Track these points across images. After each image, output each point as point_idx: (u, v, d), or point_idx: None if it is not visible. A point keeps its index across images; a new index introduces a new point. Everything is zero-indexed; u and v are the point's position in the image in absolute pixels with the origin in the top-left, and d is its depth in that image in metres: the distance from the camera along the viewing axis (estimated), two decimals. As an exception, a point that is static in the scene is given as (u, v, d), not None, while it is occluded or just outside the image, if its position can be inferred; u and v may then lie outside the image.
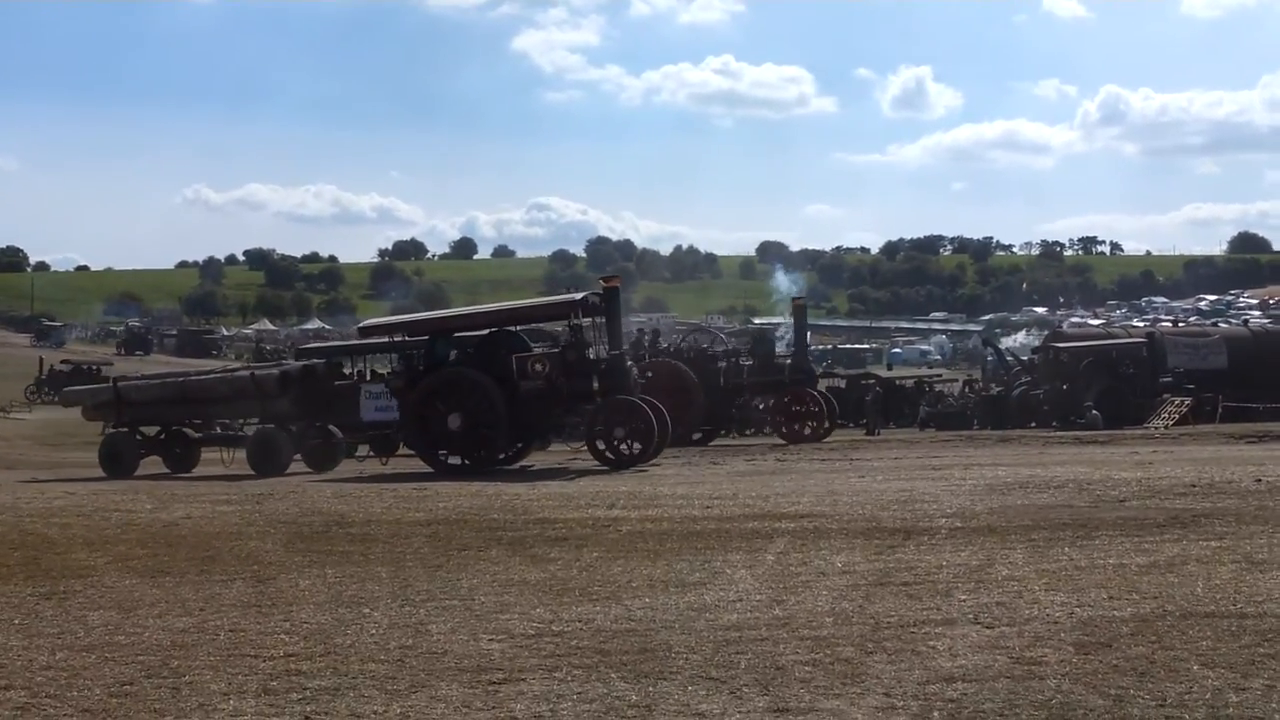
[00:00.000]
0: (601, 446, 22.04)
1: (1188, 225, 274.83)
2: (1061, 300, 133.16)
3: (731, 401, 32.18)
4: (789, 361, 32.55)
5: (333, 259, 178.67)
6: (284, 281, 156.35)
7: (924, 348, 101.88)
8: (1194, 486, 15.00)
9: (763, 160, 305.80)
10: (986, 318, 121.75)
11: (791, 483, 17.46)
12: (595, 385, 22.13)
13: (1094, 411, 34.17)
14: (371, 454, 25.68)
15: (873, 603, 8.75)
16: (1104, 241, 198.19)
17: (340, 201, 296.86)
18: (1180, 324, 58.65)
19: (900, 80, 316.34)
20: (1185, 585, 9.03)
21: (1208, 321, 70.32)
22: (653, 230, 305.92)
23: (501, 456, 22.43)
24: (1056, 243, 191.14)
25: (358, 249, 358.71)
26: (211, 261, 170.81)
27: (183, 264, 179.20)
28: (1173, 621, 7.88)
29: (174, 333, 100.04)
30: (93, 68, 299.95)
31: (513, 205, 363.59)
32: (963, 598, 8.83)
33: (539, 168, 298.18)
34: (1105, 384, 35.85)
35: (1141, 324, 69.35)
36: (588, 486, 17.77)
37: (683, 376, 30.19)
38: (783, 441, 30.06)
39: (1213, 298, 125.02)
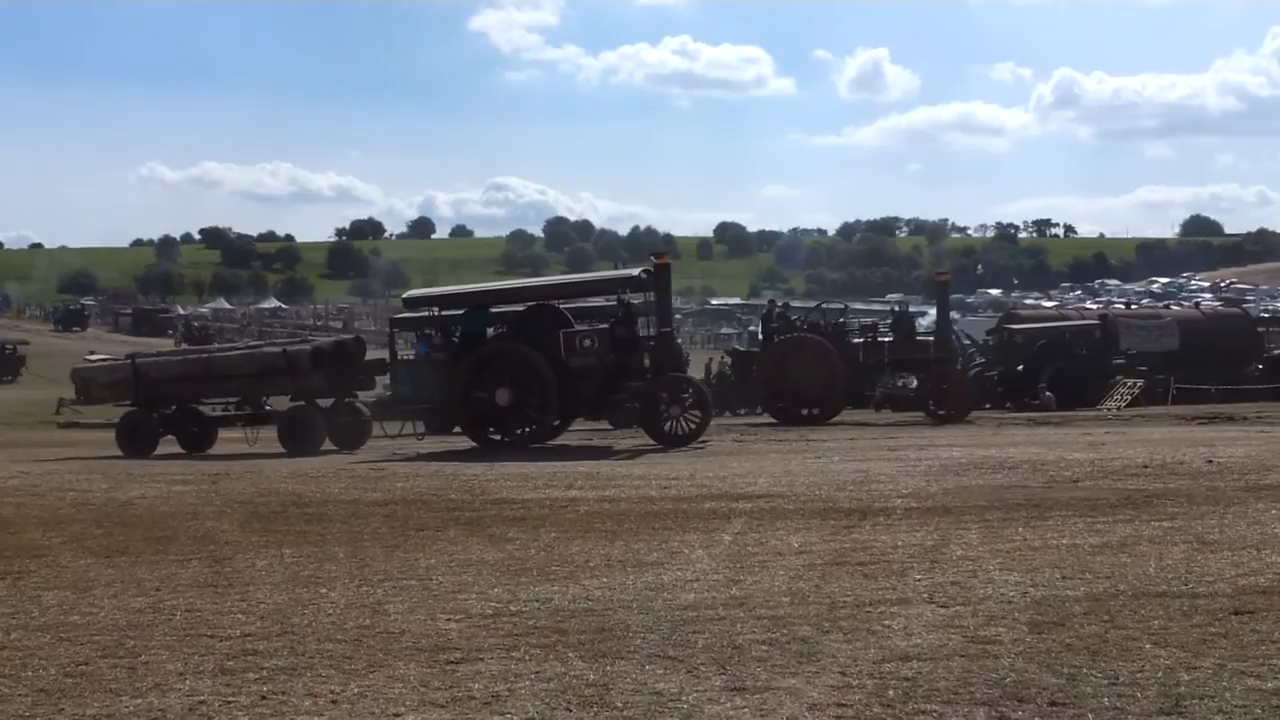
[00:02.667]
0: (656, 424, 21.90)
1: (1141, 208, 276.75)
2: (1016, 283, 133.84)
3: (870, 379, 31.40)
4: (931, 339, 31.45)
5: (289, 238, 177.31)
6: (240, 260, 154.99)
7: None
8: (1146, 468, 15.12)
9: (720, 141, 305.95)
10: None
11: (748, 463, 17.51)
12: (647, 363, 22.06)
13: (1048, 393, 34.38)
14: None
15: (829, 582, 8.80)
16: (1058, 224, 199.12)
17: (297, 180, 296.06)
18: (1133, 306, 59.01)
19: (858, 62, 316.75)
20: (1137, 565, 9.13)
21: (1160, 304, 70.75)
22: (611, 210, 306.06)
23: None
24: (1011, 225, 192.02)
25: (315, 228, 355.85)
26: (167, 240, 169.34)
27: (138, 242, 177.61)
28: (1125, 601, 7.96)
29: (129, 311, 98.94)
30: (47, 44, 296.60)
31: (471, 185, 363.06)
32: (918, 577, 8.90)
33: (497, 147, 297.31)
34: (1059, 366, 36.05)
35: (1095, 306, 69.77)
36: (545, 466, 17.76)
37: (826, 352, 29.39)
38: (928, 419, 28.79)
39: (1165, 280, 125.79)
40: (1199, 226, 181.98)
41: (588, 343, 21.84)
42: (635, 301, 22.86)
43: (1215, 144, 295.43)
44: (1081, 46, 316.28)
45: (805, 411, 29.17)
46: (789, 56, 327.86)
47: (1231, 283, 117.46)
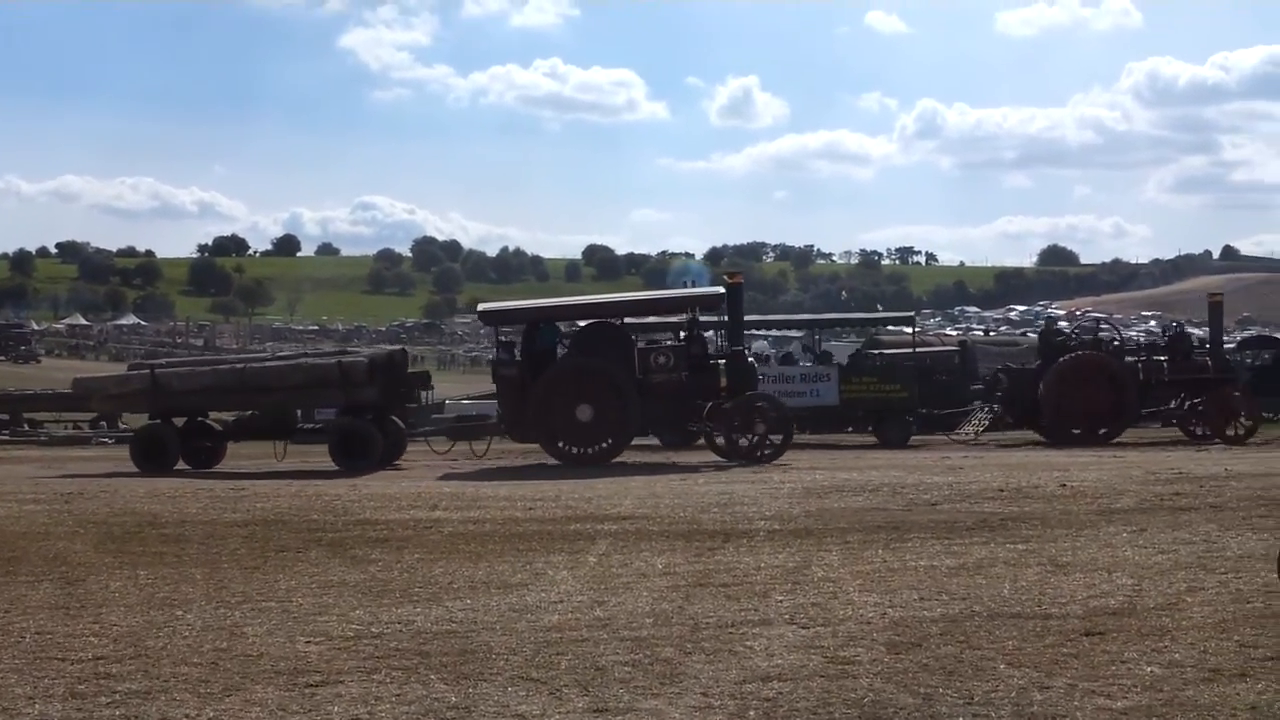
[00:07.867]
0: (743, 442, 21.86)
1: (1000, 238, 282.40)
2: (880, 308, 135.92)
3: (1145, 398, 30.25)
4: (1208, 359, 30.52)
5: (150, 253, 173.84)
6: (98, 276, 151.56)
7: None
8: (1002, 491, 15.43)
9: (590, 164, 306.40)
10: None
11: (614, 484, 17.55)
12: (723, 381, 22.21)
13: (909, 418, 34.84)
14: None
15: (692, 604, 8.84)
16: (920, 252, 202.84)
17: (159, 195, 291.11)
18: (991, 333, 60.25)
19: (728, 90, 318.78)
20: (992, 587, 9.30)
21: (1017, 331, 72.36)
22: (480, 231, 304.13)
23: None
24: (875, 252, 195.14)
25: (177, 244, 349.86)
26: (22, 253, 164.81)
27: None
28: (980, 622, 8.10)
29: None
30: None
31: (338, 203, 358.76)
32: (779, 599, 8.98)
33: (365, 166, 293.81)
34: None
35: (954, 333, 71.01)
36: (410, 487, 17.63)
37: (1113, 371, 28.86)
38: (1196, 440, 28.40)
39: (1022, 308, 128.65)
40: (1056, 256, 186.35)
41: (663, 359, 22.06)
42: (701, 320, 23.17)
43: (1073, 176, 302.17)
44: (944, 78, 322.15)
45: (1083, 432, 28.53)
46: (661, 81, 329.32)
47: (1086, 312, 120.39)
